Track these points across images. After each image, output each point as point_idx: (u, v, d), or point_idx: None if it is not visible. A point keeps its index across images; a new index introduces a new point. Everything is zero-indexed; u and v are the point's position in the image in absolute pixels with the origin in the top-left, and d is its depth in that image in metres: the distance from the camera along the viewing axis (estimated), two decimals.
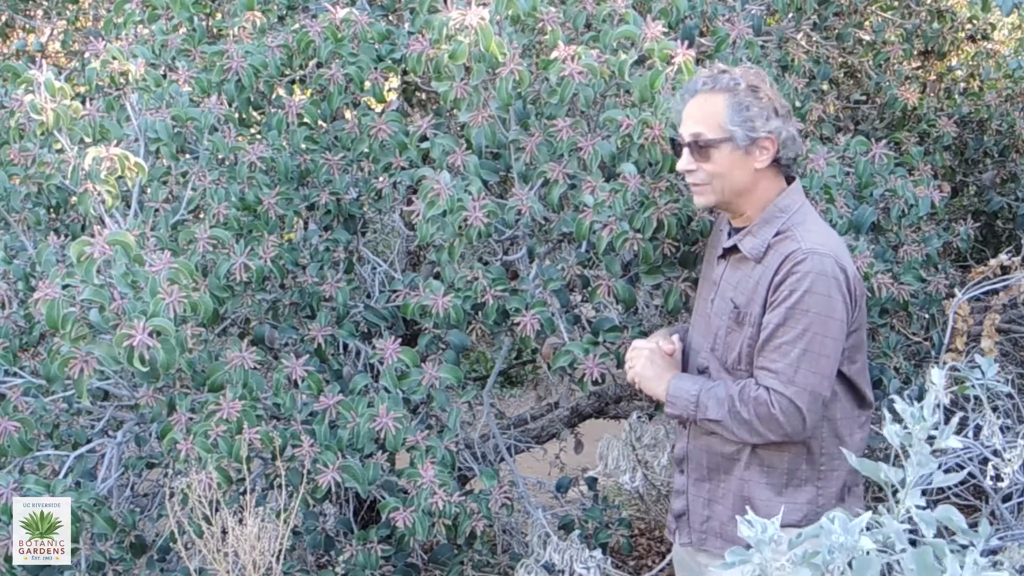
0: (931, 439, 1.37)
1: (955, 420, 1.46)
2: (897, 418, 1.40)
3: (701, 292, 2.19)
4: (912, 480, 1.35)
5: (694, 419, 2.06)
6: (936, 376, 1.82)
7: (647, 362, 2.14)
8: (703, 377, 2.10)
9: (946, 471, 2.75)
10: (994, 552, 2.19)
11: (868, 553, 1.29)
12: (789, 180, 2.10)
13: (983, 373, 2.02)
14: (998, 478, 2.14)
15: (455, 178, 2.28)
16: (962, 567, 1.24)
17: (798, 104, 3.00)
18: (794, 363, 1.94)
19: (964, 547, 1.42)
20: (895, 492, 1.37)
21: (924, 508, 1.34)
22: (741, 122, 1.98)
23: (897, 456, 1.39)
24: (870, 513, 1.33)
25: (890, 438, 1.39)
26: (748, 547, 1.34)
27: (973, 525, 1.38)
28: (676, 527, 2.20)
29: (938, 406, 1.98)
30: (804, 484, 2.05)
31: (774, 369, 1.96)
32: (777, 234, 2.01)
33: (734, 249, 2.07)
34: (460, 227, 2.23)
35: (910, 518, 1.34)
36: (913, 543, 1.32)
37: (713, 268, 2.14)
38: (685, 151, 2.05)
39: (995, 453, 2.19)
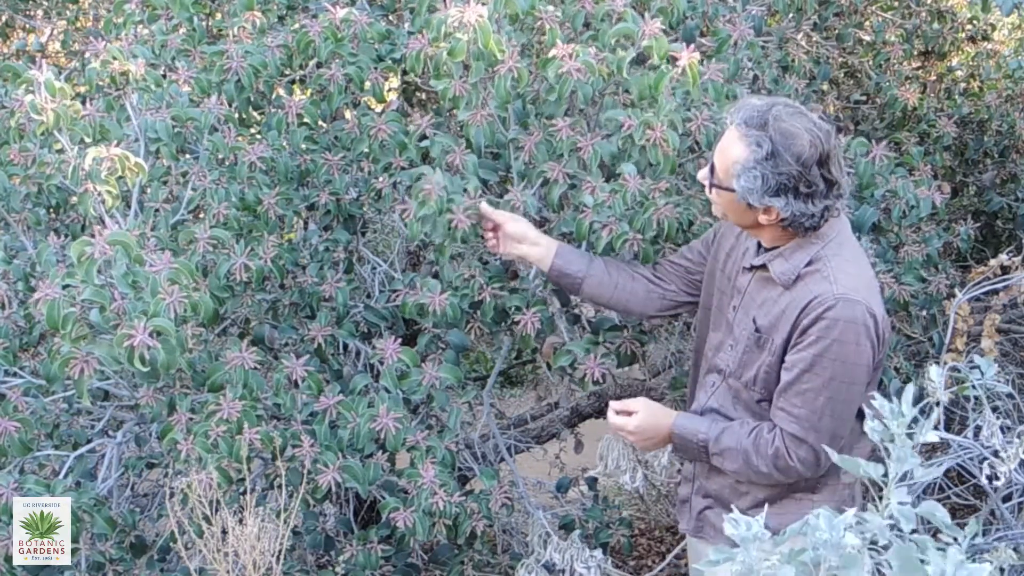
0: (910, 434, 1.37)
1: (934, 416, 1.46)
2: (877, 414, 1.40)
3: (722, 288, 2.14)
4: (894, 476, 1.35)
5: (707, 462, 2.08)
6: (935, 374, 1.82)
7: (639, 438, 2.12)
8: (703, 419, 2.08)
9: (946, 472, 2.75)
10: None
11: (858, 551, 1.29)
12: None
13: (982, 373, 2.02)
14: (994, 477, 2.13)
15: (453, 177, 2.28)
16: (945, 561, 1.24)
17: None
18: (819, 411, 1.93)
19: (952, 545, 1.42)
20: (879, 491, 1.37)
21: (906, 504, 1.34)
22: (744, 186, 1.91)
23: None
24: (854, 510, 1.34)
25: (870, 434, 1.40)
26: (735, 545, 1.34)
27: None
28: (679, 511, 2.25)
29: (937, 404, 1.98)
30: (801, 499, 2.06)
31: (796, 415, 1.95)
32: (809, 263, 1.95)
33: (763, 266, 2.02)
34: (449, 228, 2.23)
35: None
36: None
37: (738, 273, 2.09)
38: (707, 167, 2.01)
39: (995, 454, 2.18)
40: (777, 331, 1.97)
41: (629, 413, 2.11)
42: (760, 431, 2.00)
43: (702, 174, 2.03)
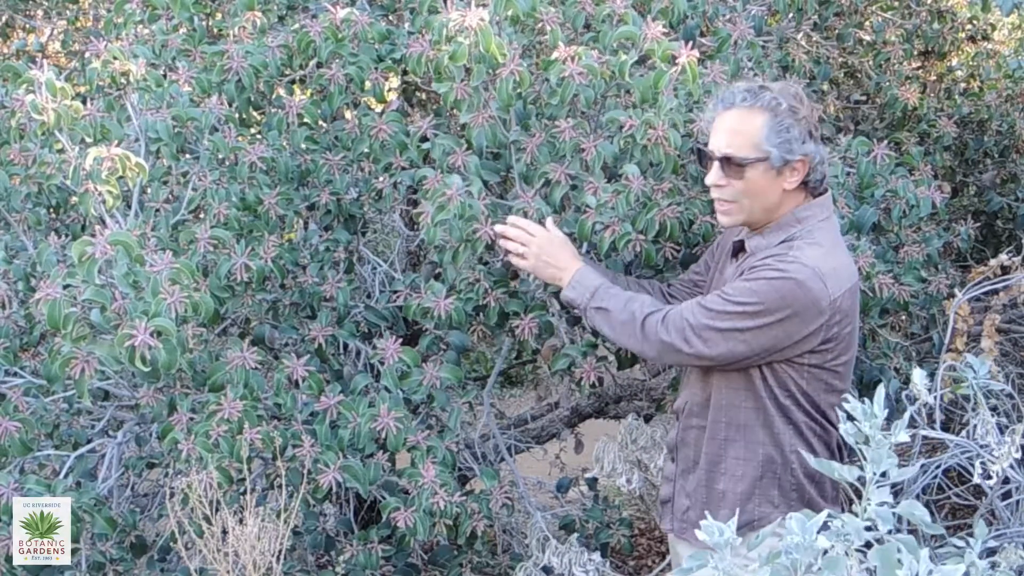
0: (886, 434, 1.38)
1: (907, 415, 1.46)
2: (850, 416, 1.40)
3: (717, 288, 2.17)
4: (872, 477, 1.35)
5: (586, 307, 2.11)
6: (917, 377, 1.82)
7: (543, 251, 2.17)
8: (608, 278, 2.15)
9: (945, 471, 2.76)
10: (992, 552, 2.19)
11: (843, 553, 1.29)
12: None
13: (975, 372, 2.03)
14: (988, 476, 2.14)
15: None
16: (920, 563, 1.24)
17: None
18: (716, 318, 1.96)
19: (960, 548, 1.42)
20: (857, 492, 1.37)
21: (885, 504, 1.33)
22: (779, 143, 1.96)
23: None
24: (827, 512, 1.33)
25: (845, 436, 1.40)
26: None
27: (970, 525, 1.38)
28: (662, 512, 2.26)
29: (926, 406, 1.98)
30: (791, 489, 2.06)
31: (704, 303, 1.98)
32: (784, 241, 2.00)
33: (743, 250, 2.06)
34: (468, 235, 2.23)
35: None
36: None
37: (726, 266, 2.14)
38: (716, 166, 2.02)
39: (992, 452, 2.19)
40: None
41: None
42: (657, 302, 2.08)
43: (712, 176, 2.03)
